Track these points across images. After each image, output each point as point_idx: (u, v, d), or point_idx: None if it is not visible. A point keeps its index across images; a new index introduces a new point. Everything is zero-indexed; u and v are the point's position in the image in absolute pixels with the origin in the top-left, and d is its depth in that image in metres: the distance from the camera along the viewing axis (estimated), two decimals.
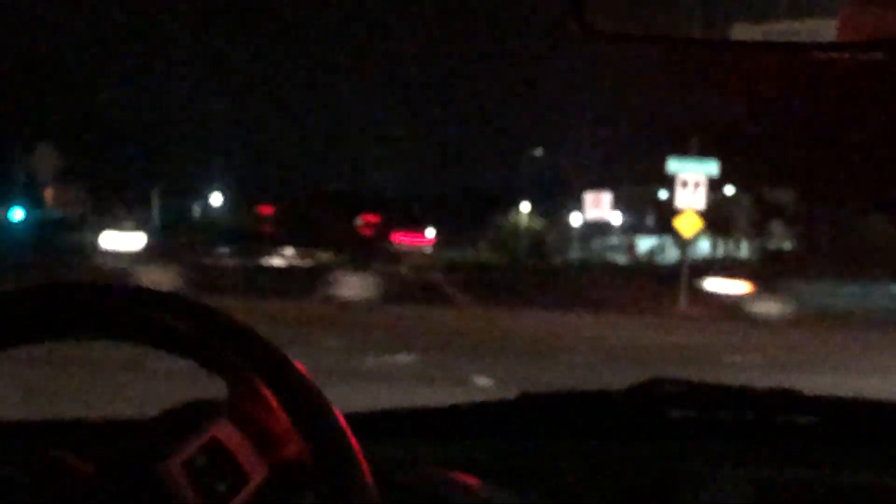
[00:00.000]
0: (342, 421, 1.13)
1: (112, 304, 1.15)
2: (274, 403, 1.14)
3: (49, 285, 1.14)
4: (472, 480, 1.59)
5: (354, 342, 16.64)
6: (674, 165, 29.63)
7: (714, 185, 46.36)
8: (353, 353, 15.17)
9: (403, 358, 14.58)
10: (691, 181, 29.09)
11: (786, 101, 40.03)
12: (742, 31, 1.79)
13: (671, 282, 31.23)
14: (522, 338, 19.35)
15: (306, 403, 1.13)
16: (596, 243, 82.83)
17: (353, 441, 1.13)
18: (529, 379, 12.68)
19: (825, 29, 1.74)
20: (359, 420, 1.68)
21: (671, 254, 59.51)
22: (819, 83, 38.10)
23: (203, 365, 1.18)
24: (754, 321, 24.68)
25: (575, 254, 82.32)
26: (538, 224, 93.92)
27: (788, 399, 1.90)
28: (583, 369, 14.18)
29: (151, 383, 6.71)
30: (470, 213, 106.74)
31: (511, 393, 1.93)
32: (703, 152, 31.18)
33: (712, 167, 29.66)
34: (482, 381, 12.34)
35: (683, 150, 31.45)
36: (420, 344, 16.97)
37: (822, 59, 1.85)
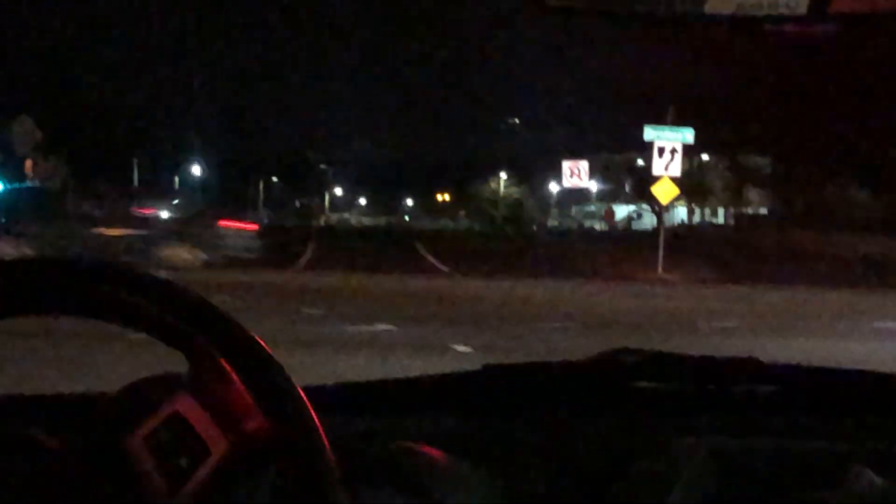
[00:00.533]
0: (302, 394, 1.14)
1: (69, 280, 1.15)
2: (234, 377, 1.15)
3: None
4: (434, 453, 1.60)
5: (333, 311, 16.64)
6: (650, 133, 29.64)
7: (691, 153, 46.52)
8: (331, 323, 15.19)
9: (382, 326, 14.58)
10: (668, 148, 29.11)
11: (760, 69, 40.05)
12: (715, 5, 1.79)
13: (649, 248, 31.35)
14: (502, 305, 19.38)
15: (266, 377, 1.14)
16: (574, 211, 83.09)
17: (314, 415, 1.13)
18: (508, 346, 12.71)
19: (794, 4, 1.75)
20: (319, 393, 1.69)
21: (648, 220, 59.77)
22: (793, 51, 38.11)
23: (162, 339, 1.18)
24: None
25: (553, 221, 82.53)
26: (516, 192, 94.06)
27: (749, 368, 1.91)
28: (561, 336, 14.21)
29: (128, 355, 6.70)
30: (448, 182, 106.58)
31: (491, 360, 1.95)
32: (679, 120, 31.21)
33: (688, 134, 29.68)
34: (461, 348, 12.36)
35: (660, 119, 31.47)
36: (401, 312, 16.99)
37: (783, 34, 1.86)
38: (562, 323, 15.77)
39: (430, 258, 36.36)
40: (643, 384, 1.91)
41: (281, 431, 1.13)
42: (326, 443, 1.12)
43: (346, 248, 39.70)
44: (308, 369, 6.19)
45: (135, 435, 1.12)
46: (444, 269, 32.59)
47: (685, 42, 39.52)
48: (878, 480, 1.51)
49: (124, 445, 1.11)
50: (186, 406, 1.17)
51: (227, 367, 1.15)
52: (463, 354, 11.98)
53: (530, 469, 1.69)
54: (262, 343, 1.16)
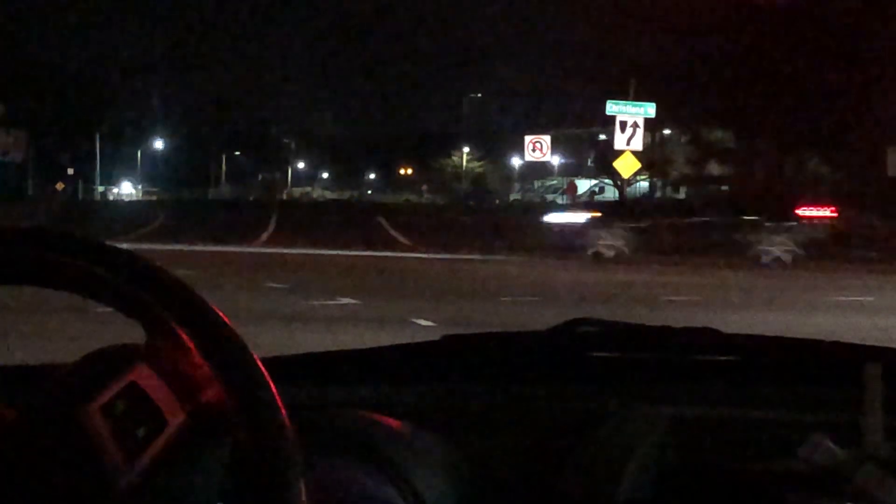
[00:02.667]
0: (260, 364, 1.13)
1: (24, 249, 1.14)
2: (191, 347, 1.14)
3: None
4: (393, 422, 1.60)
5: (297, 285, 16.63)
6: (612, 108, 29.73)
7: (653, 127, 46.65)
8: (294, 297, 15.18)
9: (345, 301, 14.58)
10: (629, 123, 29.19)
11: (722, 42, 40.15)
12: None
13: None
14: (464, 280, 19.41)
15: (223, 347, 1.13)
16: (536, 185, 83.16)
17: (271, 385, 1.13)
18: (471, 320, 12.73)
19: None
20: (278, 364, 1.69)
21: (611, 194, 59.89)
22: (753, 25, 38.26)
23: (119, 309, 1.17)
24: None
25: (515, 195, 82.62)
26: (479, 167, 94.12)
27: (707, 338, 1.92)
28: (523, 310, 14.26)
29: (93, 326, 6.68)
30: (411, 156, 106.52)
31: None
32: (641, 95, 31.30)
33: (650, 109, 29.78)
34: (423, 322, 12.37)
35: (622, 93, 31.55)
36: (363, 286, 16.99)
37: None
38: (524, 297, 15.82)
39: (393, 232, 36.37)
40: (602, 354, 1.92)
41: (238, 402, 1.12)
42: (284, 413, 1.11)
43: (308, 222, 39.66)
44: (270, 343, 6.17)
45: (91, 405, 1.11)
46: (407, 243, 32.59)
47: (647, 16, 39.62)
48: (836, 450, 1.52)
49: (80, 415, 1.10)
50: (143, 376, 1.17)
51: (185, 337, 1.15)
52: (425, 328, 12.00)
53: (490, 438, 1.69)
54: (221, 313, 1.15)
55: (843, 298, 16.46)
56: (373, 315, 13.29)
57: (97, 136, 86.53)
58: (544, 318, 2.00)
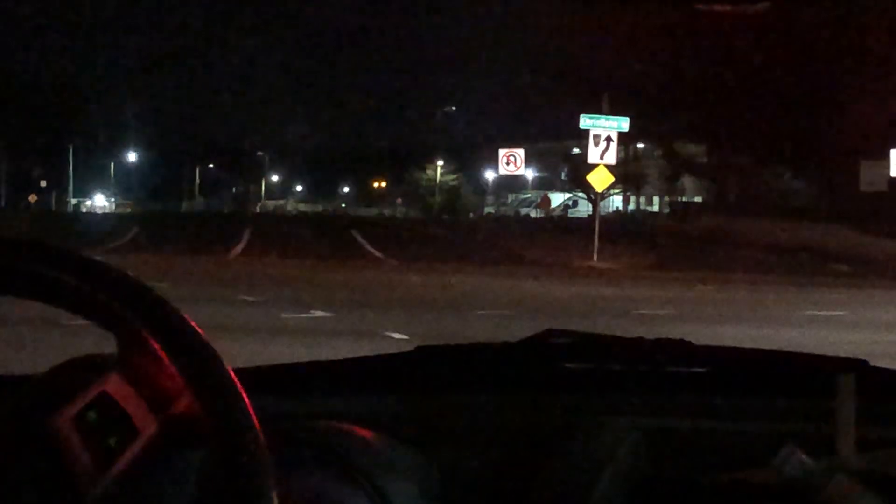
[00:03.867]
0: (232, 375, 1.13)
1: None
2: (163, 358, 1.14)
3: None
4: (366, 433, 1.60)
5: (270, 299, 16.59)
6: (586, 121, 29.78)
7: (627, 141, 46.79)
8: (267, 309, 15.13)
9: (318, 313, 14.55)
10: (603, 136, 29.26)
11: (697, 58, 40.35)
12: None
13: (584, 236, 31.48)
14: (438, 293, 19.40)
15: (196, 358, 1.12)
16: (510, 198, 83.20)
17: (244, 395, 1.12)
18: (444, 333, 12.71)
19: None
20: (250, 374, 1.69)
21: (584, 208, 60.03)
22: (726, 40, 38.46)
23: (91, 319, 1.17)
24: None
25: (489, 209, 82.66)
26: (453, 180, 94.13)
27: (679, 350, 1.93)
28: (497, 323, 14.25)
29: (65, 337, 6.65)
30: (385, 169, 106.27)
31: None
32: (615, 109, 31.40)
33: (623, 123, 29.86)
34: (397, 336, 12.36)
35: (596, 107, 31.65)
36: (336, 299, 16.96)
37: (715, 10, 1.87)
38: (497, 311, 15.81)
39: (367, 245, 36.29)
40: (575, 365, 1.92)
41: (210, 412, 1.11)
42: (257, 424, 1.11)
43: (282, 235, 39.58)
44: (243, 356, 6.15)
45: (62, 415, 1.11)
46: (381, 256, 32.56)
47: (621, 31, 39.78)
48: (808, 461, 1.53)
49: (52, 425, 1.10)
50: (115, 386, 1.17)
51: (157, 348, 1.14)
52: (398, 341, 11.98)
53: (462, 449, 1.69)
54: (193, 324, 1.15)
55: (816, 312, 16.52)
56: (346, 328, 13.26)
57: (70, 149, 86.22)
58: (520, 332, 2.00)
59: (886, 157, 32.55)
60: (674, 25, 38.25)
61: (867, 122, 35.97)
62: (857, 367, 1.80)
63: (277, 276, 22.17)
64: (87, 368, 1.19)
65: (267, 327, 13.08)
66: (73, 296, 1.15)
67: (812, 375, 1.87)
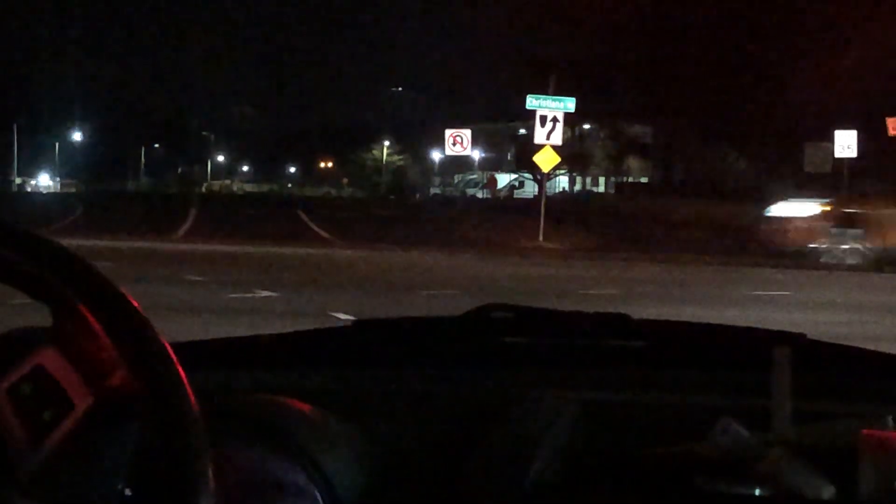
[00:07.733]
0: (169, 349, 1.12)
1: None
2: (99, 330, 1.13)
3: None
4: (305, 407, 1.59)
5: (215, 278, 16.50)
6: (532, 102, 29.78)
7: (573, 122, 46.89)
8: (212, 289, 15.07)
9: (263, 294, 14.50)
10: (549, 117, 29.28)
11: (642, 39, 40.49)
12: None
13: (530, 217, 31.53)
14: (383, 274, 19.38)
15: (132, 331, 1.11)
16: (456, 179, 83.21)
17: (180, 369, 1.11)
18: (390, 313, 12.64)
19: None
20: (188, 349, 1.68)
21: (530, 189, 60.12)
22: (672, 21, 38.62)
23: (26, 291, 1.16)
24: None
25: (435, 189, 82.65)
26: (399, 160, 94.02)
27: (617, 324, 1.94)
28: (442, 303, 14.25)
29: (11, 318, 6.61)
30: (331, 149, 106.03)
31: None
32: (561, 89, 31.41)
33: (570, 103, 29.89)
34: (342, 316, 12.32)
35: (543, 88, 31.65)
36: (282, 279, 16.90)
37: None
38: (443, 291, 15.83)
39: (313, 226, 36.21)
40: (514, 339, 1.93)
41: (146, 386, 1.10)
42: (192, 397, 1.10)
43: (228, 215, 39.41)
44: (186, 335, 6.13)
45: None
46: (327, 236, 32.48)
47: (568, 11, 39.82)
48: (744, 433, 1.54)
49: None
50: (50, 359, 1.16)
51: (92, 321, 1.13)
52: (344, 321, 11.95)
53: (400, 423, 1.70)
54: (129, 297, 1.14)
55: (761, 293, 16.65)
56: (291, 308, 13.22)
57: (15, 128, 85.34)
58: (465, 311, 2.00)
59: (830, 138, 32.72)
60: (619, 5, 38.37)
61: (811, 103, 36.20)
62: (794, 340, 1.82)
63: (223, 257, 22.06)
64: (21, 342, 1.17)
65: (212, 307, 13.02)
66: (4, 266, 1.14)
67: (749, 349, 1.89)
